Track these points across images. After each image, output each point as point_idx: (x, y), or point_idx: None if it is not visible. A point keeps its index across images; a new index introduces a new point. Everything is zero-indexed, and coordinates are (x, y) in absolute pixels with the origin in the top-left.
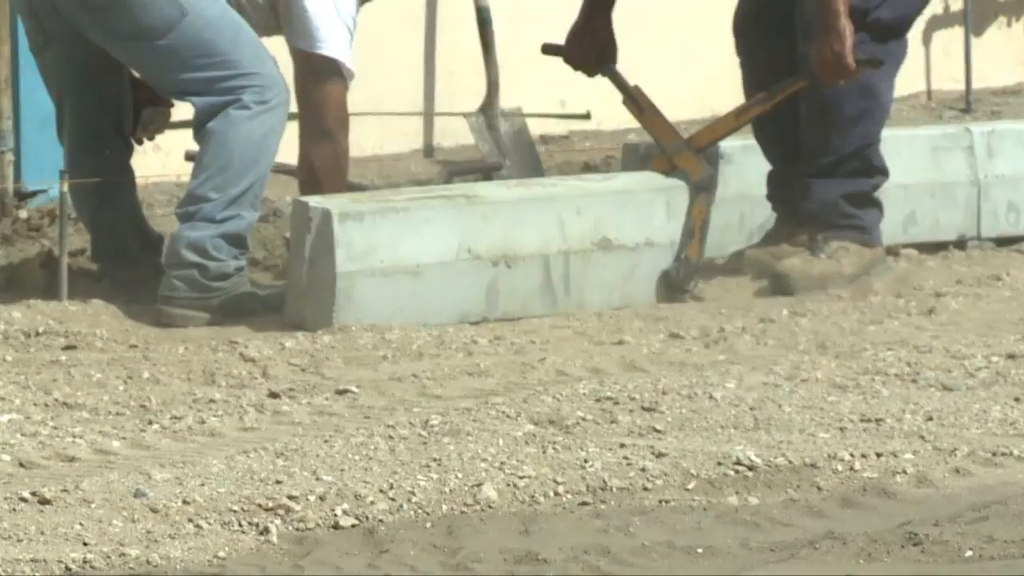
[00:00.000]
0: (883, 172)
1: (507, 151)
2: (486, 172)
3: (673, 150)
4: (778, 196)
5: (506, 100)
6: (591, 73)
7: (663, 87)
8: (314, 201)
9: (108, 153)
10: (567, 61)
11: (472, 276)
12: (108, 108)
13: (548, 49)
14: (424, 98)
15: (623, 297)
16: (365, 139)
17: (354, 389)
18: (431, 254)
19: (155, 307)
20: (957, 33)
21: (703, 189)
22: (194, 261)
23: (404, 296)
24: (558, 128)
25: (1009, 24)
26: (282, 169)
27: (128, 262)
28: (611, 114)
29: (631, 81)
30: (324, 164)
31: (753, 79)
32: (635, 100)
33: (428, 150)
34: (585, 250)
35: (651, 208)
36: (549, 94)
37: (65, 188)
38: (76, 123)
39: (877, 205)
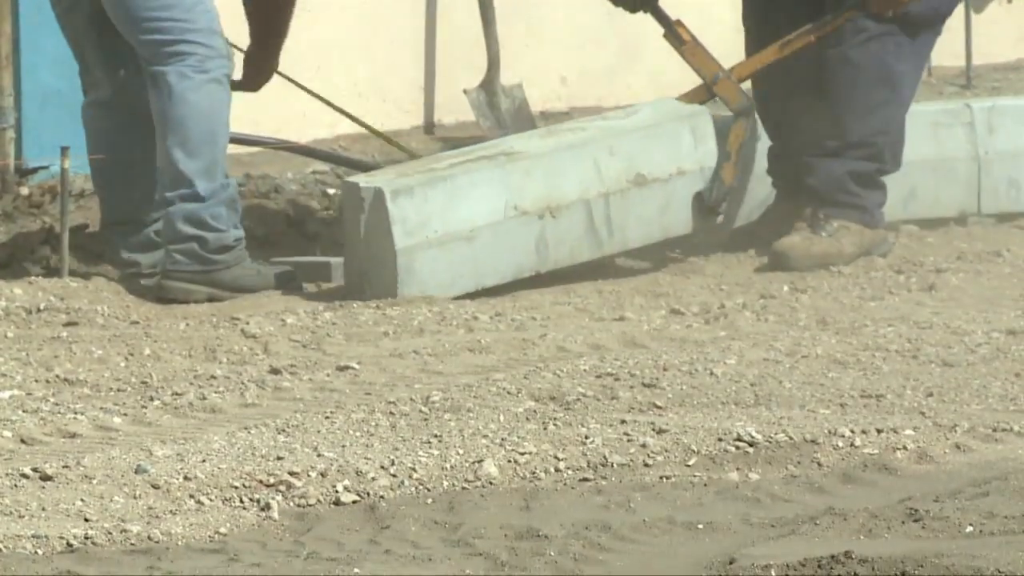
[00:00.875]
0: (894, 163)
1: (508, 127)
2: None
3: (713, 80)
4: (778, 172)
5: (506, 76)
6: (633, 8)
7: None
8: (364, 181)
9: (133, 108)
10: None
11: (521, 231)
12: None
13: None
14: (425, 74)
15: (662, 229)
16: (366, 116)
17: (355, 365)
18: (481, 216)
19: (157, 282)
20: (957, 10)
21: (742, 115)
22: (193, 234)
23: (461, 262)
24: (559, 104)
25: (1009, 0)
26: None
27: (138, 230)
28: (612, 90)
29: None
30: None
31: (759, 46)
32: (676, 33)
33: (429, 127)
34: (622, 189)
35: (678, 138)
36: (549, 70)
37: (67, 165)
38: (101, 77)
39: (881, 187)
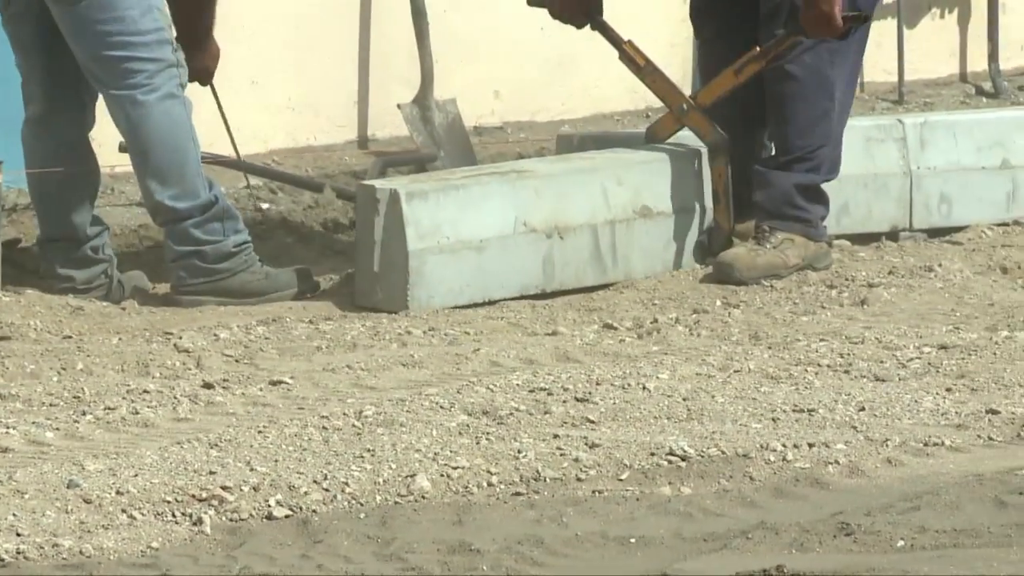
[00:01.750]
0: (834, 170)
1: (441, 142)
2: (420, 163)
3: (679, 112)
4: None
5: (440, 91)
6: (579, 24)
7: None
8: (380, 184)
9: (69, 128)
10: (552, 14)
11: (529, 248)
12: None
13: (533, 1)
14: (359, 89)
15: (664, 263)
16: (299, 130)
17: (288, 380)
18: (491, 229)
19: (170, 297)
20: (890, 25)
21: (717, 151)
22: (188, 251)
23: (470, 271)
24: (492, 119)
25: (942, 16)
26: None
27: (76, 247)
28: (545, 104)
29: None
30: None
31: (713, 61)
32: (629, 56)
33: (363, 141)
34: (628, 219)
35: (682, 174)
36: (483, 84)
37: (0, 179)
38: (37, 92)
39: (824, 200)
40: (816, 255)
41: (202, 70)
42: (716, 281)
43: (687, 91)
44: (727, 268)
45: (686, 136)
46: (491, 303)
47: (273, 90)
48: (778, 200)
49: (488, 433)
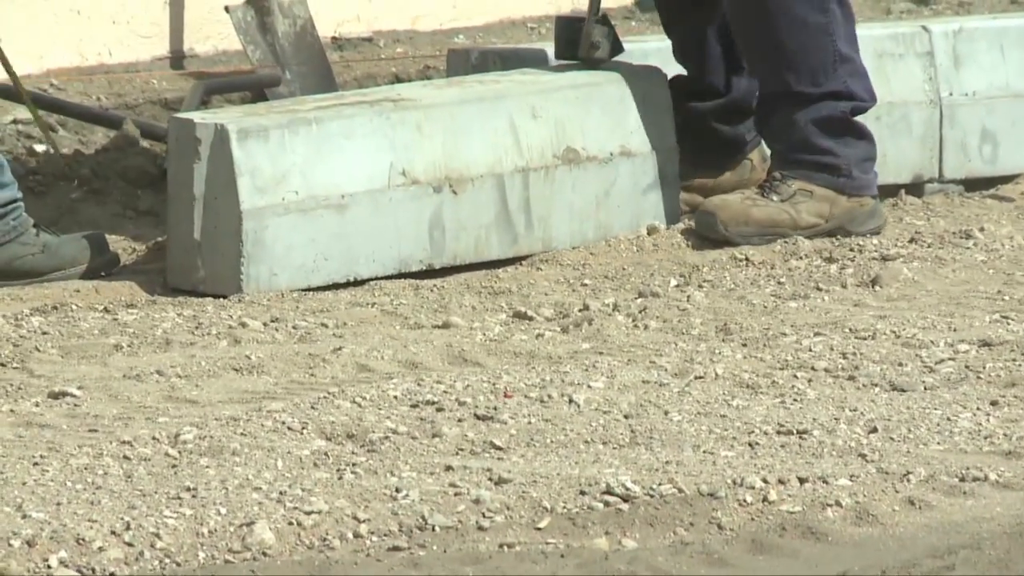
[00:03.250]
0: (870, 95)
1: (287, 59)
2: (257, 88)
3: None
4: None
5: None
6: None
7: None
8: (201, 117)
9: None
10: None
11: (410, 207)
12: None
13: None
14: None
15: (598, 227)
16: (88, 42)
17: (75, 391)
18: (357, 180)
19: None
20: None
21: None
22: None
23: (328, 239)
24: (358, 27)
25: None
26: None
27: None
28: (432, 8)
29: None
30: None
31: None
32: None
33: (177, 59)
34: (547, 166)
35: (627, 103)
36: None
37: None
38: None
39: (862, 136)
40: (851, 214)
41: None
42: (697, 235)
43: None
44: (707, 218)
45: (633, 50)
46: (358, 283)
47: None
48: (790, 138)
49: (354, 464)
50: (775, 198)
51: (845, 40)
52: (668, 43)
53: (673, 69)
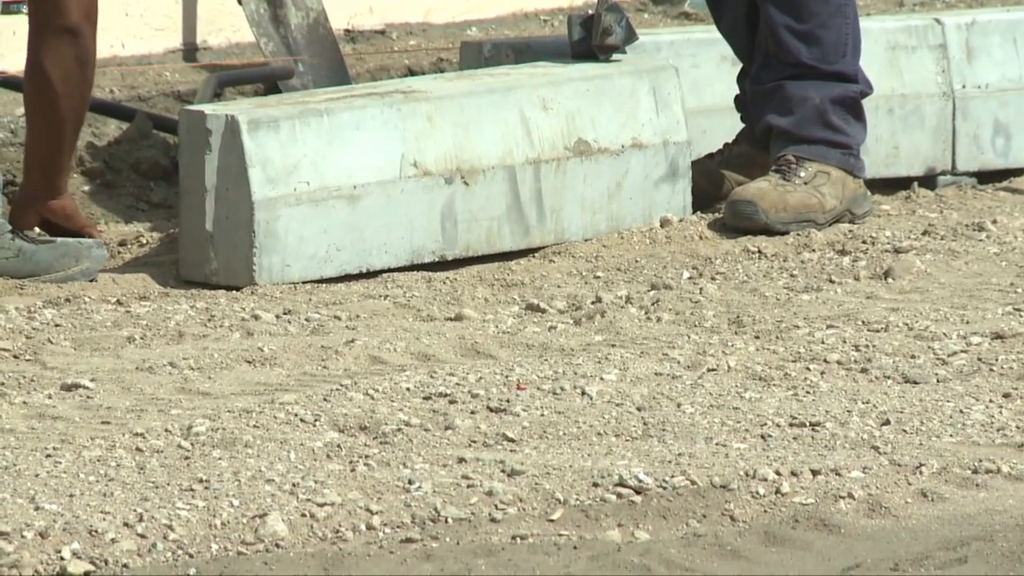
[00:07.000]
0: (867, 82)
1: (300, 51)
2: (269, 81)
3: None
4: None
5: None
6: None
7: None
8: (213, 109)
9: None
10: None
11: (422, 198)
12: None
13: None
14: None
15: (610, 219)
16: (101, 34)
17: (87, 383)
18: (369, 171)
19: None
20: None
21: None
22: None
23: (340, 229)
24: (370, 19)
25: None
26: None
27: None
28: (442, 1)
29: None
30: (63, 71)
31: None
32: None
33: (190, 51)
34: (559, 158)
35: (635, 98)
36: None
37: None
38: None
39: (864, 120)
40: (855, 197)
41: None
42: (733, 228)
43: None
44: (747, 208)
45: (646, 42)
46: (370, 275)
47: None
48: (807, 116)
49: (367, 456)
50: (799, 181)
51: (854, 30)
52: (680, 36)
53: (683, 62)
